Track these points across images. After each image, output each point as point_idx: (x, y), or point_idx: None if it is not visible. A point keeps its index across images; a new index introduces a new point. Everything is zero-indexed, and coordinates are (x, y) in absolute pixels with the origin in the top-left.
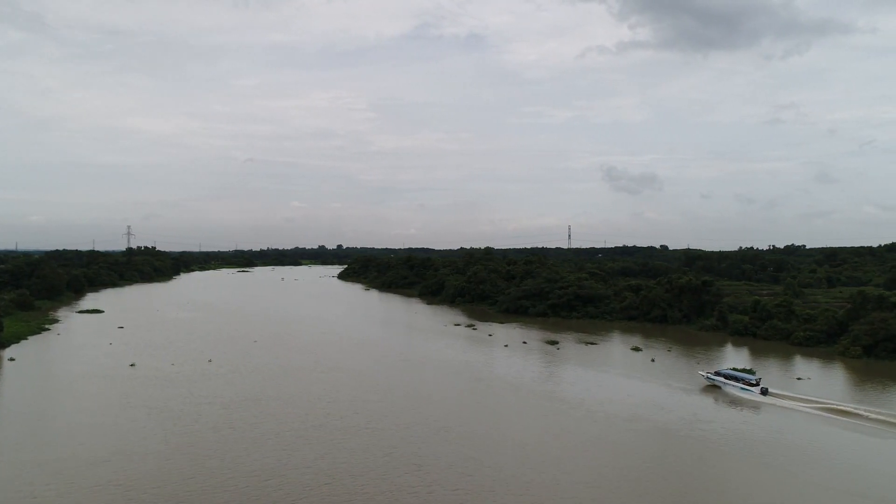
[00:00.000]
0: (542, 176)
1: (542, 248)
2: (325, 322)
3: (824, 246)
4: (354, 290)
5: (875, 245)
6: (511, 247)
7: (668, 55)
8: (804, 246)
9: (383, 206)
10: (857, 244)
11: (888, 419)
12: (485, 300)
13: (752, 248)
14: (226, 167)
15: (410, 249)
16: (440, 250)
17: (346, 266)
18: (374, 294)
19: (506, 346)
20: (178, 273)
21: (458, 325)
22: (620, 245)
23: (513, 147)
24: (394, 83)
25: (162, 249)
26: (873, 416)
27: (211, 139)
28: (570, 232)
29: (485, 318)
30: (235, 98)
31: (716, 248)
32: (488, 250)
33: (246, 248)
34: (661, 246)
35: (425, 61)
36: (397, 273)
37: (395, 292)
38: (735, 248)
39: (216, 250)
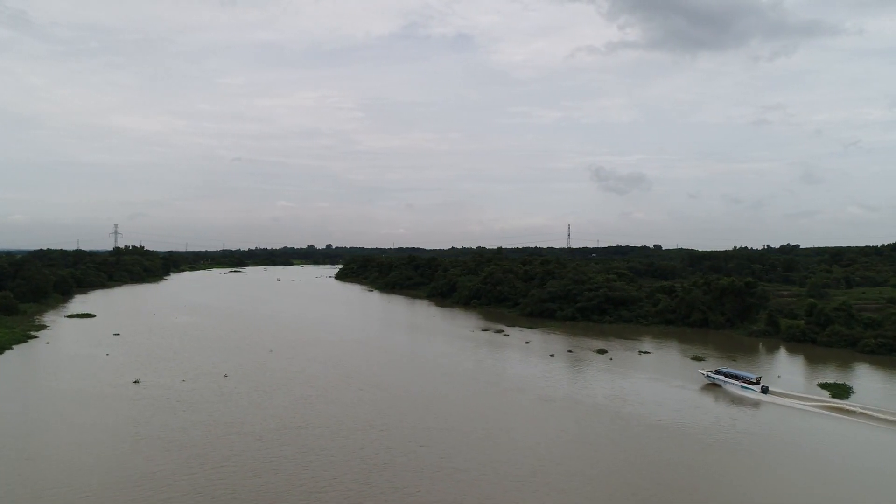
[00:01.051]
0: (531, 176)
1: (536, 247)
2: (339, 327)
3: (812, 246)
4: (357, 291)
5: (878, 245)
6: (503, 246)
7: (657, 55)
8: (798, 245)
9: (371, 206)
10: (841, 244)
11: (888, 417)
12: (502, 302)
13: (745, 247)
14: (212, 166)
15: (401, 249)
16: (431, 250)
17: (341, 266)
18: (379, 296)
19: (552, 355)
20: (168, 273)
21: (486, 330)
22: (614, 245)
23: (501, 147)
24: (381, 83)
25: (149, 249)
26: (871, 413)
27: (197, 138)
28: (569, 231)
29: (507, 321)
30: (222, 97)
31: (703, 248)
32: (499, 250)
33: (233, 247)
34: (654, 245)
35: (413, 61)
36: (401, 273)
37: (399, 294)
38: (723, 247)
39: (203, 250)
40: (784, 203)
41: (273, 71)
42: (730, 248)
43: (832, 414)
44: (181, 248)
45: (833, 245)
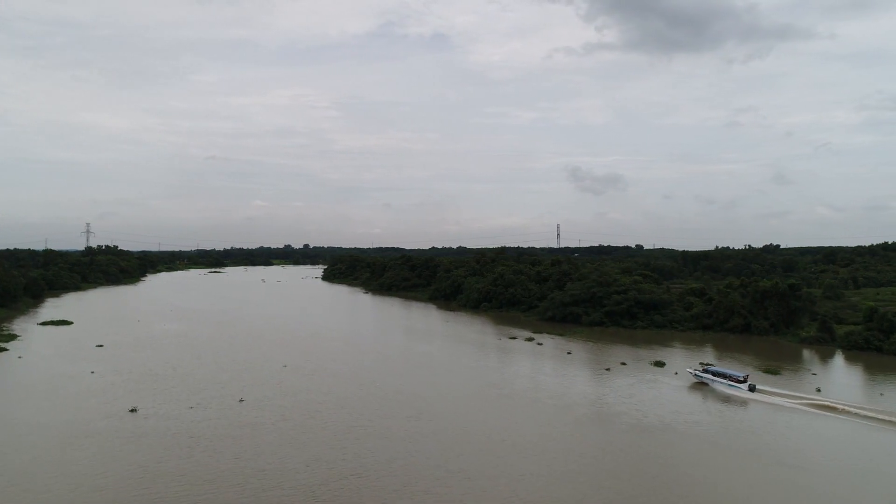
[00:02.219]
0: (508, 176)
1: (518, 247)
2: (350, 335)
3: (790, 247)
4: (350, 293)
5: (866, 244)
6: (484, 246)
7: (633, 57)
8: (779, 245)
9: (348, 206)
10: (810, 244)
11: (872, 414)
12: (515, 305)
13: (728, 247)
14: (185, 165)
15: (381, 249)
16: (411, 249)
17: (325, 266)
18: (376, 298)
19: (607, 369)
20: (144, 274)
21: (514, 338)
22: (596, 245)
23: (478, 147)
24: (358, 81)
25: (122, 249)
26: (854, 410)
27: (169, 136)
28: (558, 231)
29: (530, 327)
30: (195, 94)
31: (678, 248)
32: (502, 249)
33: (208, 247)
34: (636, 245)
35: (390, 60)
36: (397, 275)
37: (396, 296)
38: (697, 248)
39: (177, 250)
40: (756, 204)
41: (247, 69)
42: (705, 248)
43: (818, 412)
44: (154, 248)
45: (804, 245)
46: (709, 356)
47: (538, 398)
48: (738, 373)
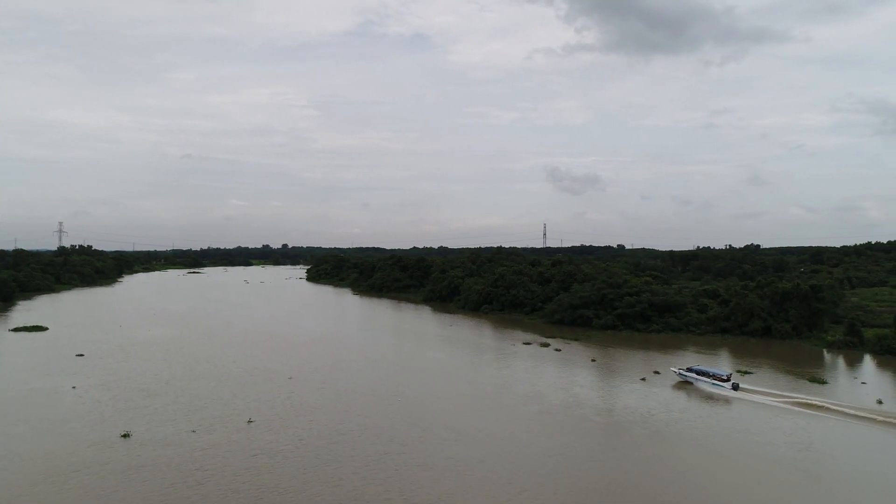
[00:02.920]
0: (487, 176)
1: (501, 247)
2: (351, 340)
3: (766, 246)
4: (338, 294)
5: (850, 244)
6: (466, 246)
7: (612, 58)
8: (759, 245)
9: (327, 205)
10: (784, 245)
11: (851, 411)
12: (517, 308)
13: (709, 247)
14: (161, 163)
15: (360, 249)
16: (391, 249)
17: (307, 267)
18: (368, 300)
19: (643, 379)
20: (121, 275)
21: (528, 343)
22: (578, 244)
23: (458, 147)
24: (337, 80)
25: (96, 249)
26: (834, 408)
27: (144, 134)
28: (545, 230)
29: (534, 330)
30: (171, 92)
31: (656, 248)
32: (499, 249)
33: (184, 247)
34: (617, 245)
35: (369, 59)
36: (387, 275)
37: (388, 297)
38: (674, 248)
39: (153, 249)
40: (731, 204)
41: (225, 66)
42: (683, 248)
43: (802, 410)
44: (128, 248)
45: (778, 245)
46: (734, 362)
47: (584, 415)
48: (722, 371)
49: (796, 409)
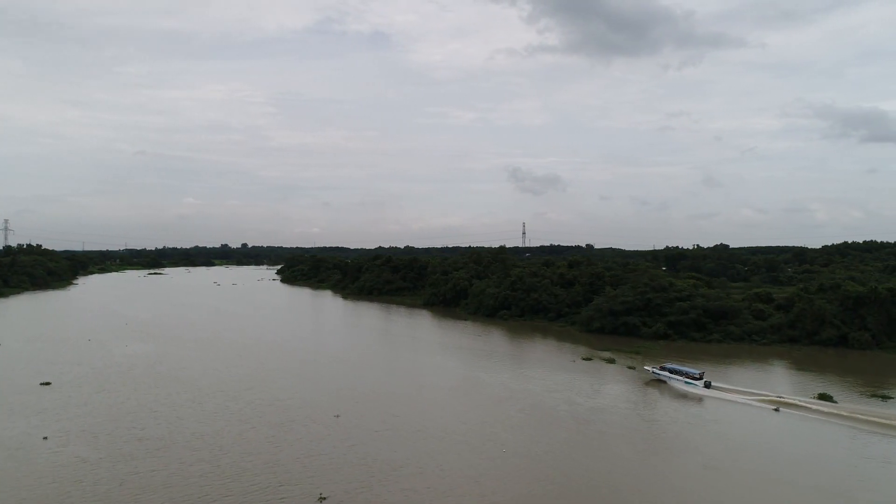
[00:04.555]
0: (448, 176)
1: (469, 246)
2: (380, 359)
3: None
4: (323, 298)
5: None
6: (432, 246)
7: (574, 59)
8: (728, 245)
9: (286, 204)
10: (737, 245)
11: (822, 408)
12: (538, 313)
13: (678, 246)
14: (112, 160)
15: (324, 249)
16: (355, 249)
17: (280, 267)
18: (360, 305)
19: (776, 410)
20: (76, 276)
21: (589, 358)
22: (548, 244)
23: (418, 147)
24: (295, 78)
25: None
26: (806, 405)
27: (94, 129)
28: (524, 229)
29: (572, 339)
30: (122, 87)
31: (616, 248)
32: (502, 249)
33: (137, 246)
34: (586, 245)
35: (328, 57)
36: (377, 277)
37: (379, 301)
38: (632, 248)
39: (103, 249)
40: (687, 205)
41: (179, 61)
42: (642, 248)
43: (769, 407)
44: (77, 248)
45: (735, 246)
46: (843, 380)
47: (766, 474)
48: (694, 370)
49: (767, 406)
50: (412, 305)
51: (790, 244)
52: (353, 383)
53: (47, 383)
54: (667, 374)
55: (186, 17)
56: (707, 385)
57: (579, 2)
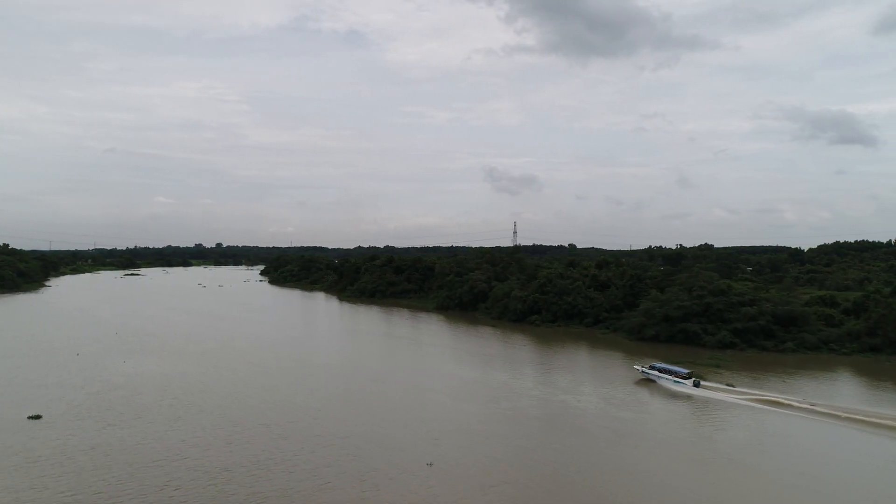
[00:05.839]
0: (424, 175)
1: (453, 246)
2: (434, 378)
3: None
4: (321, 301)
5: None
6: (412, 245)
7: (551, 60)
8: (712, 245)
9: (261, 203)
10: (719, 244)
11: (811, 407)
12: (573, 318)
13: (660, 246)
14: (80, 158)
15: (301, 248)
16: (334, 249)
17: (262, 267)
18: (366, 309)
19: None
20: (47, 277)
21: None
22: (530, 244)
23: (395, 146)
24: (270, 76)
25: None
26: (796, 404)
27: (62, 126)
28: (515, 228)
29: (623, 349)
30: (91, 83)
31: (597, 247)
32: (516, 249)
33: (108, 246)
34: (569, 245)
35: (303, 55)
36: (379, 278)
37: (385, 304)
38: (609, 247)
39: (72, 249)
40: (661, 205)
41: (150, 58)
42: (619, 248)
43: (761, 406)
44: (44, 248)
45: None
46: None
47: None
48: (683, 369)
49: (757, 405)
50: (422, 309)
51: (761, 244)
52: (442, 415)
53: (37, 416)
54: (656, 373)
55: (158, 13)
56: (696, 384)
57: (558, 2)
